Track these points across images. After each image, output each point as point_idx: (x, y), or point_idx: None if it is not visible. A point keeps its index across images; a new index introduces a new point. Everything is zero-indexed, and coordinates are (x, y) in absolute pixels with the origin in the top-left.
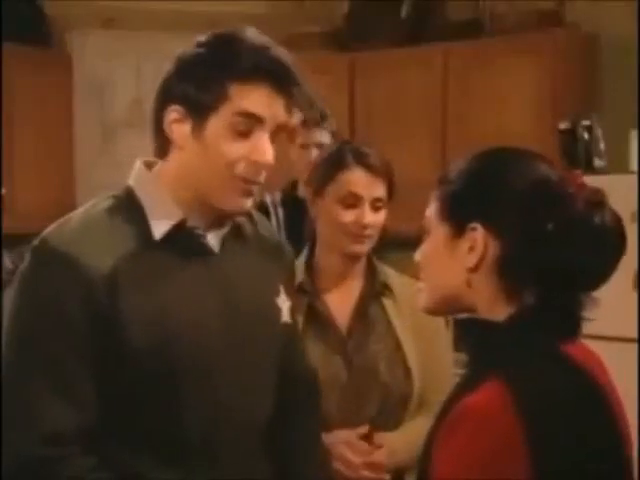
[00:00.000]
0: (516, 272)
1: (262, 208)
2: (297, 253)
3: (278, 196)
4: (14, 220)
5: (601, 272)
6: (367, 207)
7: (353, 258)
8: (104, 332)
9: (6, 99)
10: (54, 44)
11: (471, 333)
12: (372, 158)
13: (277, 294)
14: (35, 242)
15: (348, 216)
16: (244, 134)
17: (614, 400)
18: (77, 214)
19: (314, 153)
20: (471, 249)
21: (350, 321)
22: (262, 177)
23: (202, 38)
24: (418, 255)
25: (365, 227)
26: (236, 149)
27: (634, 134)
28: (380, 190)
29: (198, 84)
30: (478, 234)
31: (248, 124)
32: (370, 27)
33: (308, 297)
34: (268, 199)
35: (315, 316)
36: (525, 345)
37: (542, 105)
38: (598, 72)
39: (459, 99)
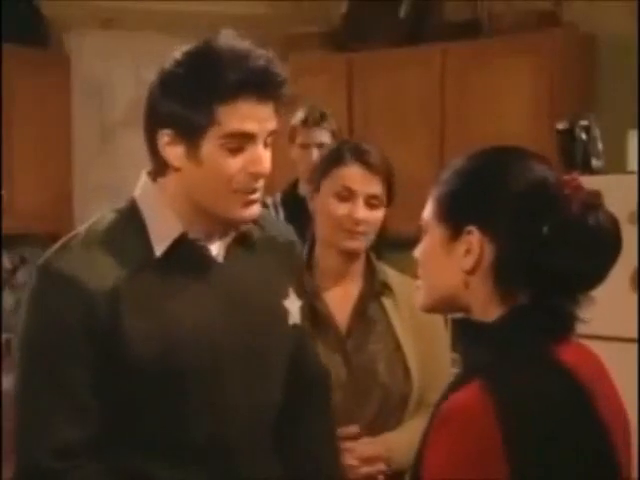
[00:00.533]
0: (511, 275)
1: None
2: None
3: (278, 196)
4: (12, 220)
5: (596, 274)
6: (361, 202)
7: (349, 255)
8: (110, 348)
9: (4, 100)
10: (52, 44)
11: (463, 333)
12: (370, 155)
13: (285, 296)
14: (40, 261)
15: (341, 210)
16: (238, 149)
17: (605, 402)
18: (81, 232)
19: (314, 152)
20: (467, 252)
21: (349, 321)
22: (261, 183)
23: (179, 55)
24: (417, 253)
25: (358, 222)
26: (233, 164)
27: (632, 134)
28: (376, 187)
29: (185, 108)
30: (474, 238)
31: (240, 142)
32: (368, 27)
33: (308, 296)
34: (269, 199)
35: (314, 315)
36: (510, 346)
37: (540, 105)
38: (596, 72)
39: (457, 99)
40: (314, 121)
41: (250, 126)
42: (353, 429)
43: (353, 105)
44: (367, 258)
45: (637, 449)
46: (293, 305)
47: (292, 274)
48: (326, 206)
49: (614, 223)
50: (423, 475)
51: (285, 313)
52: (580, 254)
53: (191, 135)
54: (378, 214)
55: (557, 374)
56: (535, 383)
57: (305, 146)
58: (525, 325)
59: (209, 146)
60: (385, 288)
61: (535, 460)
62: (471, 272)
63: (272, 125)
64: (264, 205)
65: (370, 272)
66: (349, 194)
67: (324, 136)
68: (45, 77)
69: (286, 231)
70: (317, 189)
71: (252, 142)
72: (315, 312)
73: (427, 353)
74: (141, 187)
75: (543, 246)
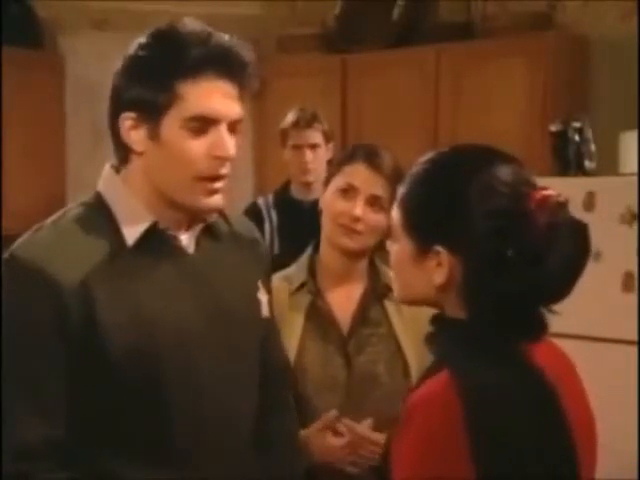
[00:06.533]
0: (479, 292)
1: (255, 211)
2: (290, 255)
3: (270, 198)
4: (6, 221)
5: (563, 287)
6: (362, 201)
7: (350, 255)
8: (81, 344)
9: None
10: (46, 45)
11: (435, 326)
12: (380, 158)
13: (257, 289)
14: (5, 255)
15: (341, 206)
16: (200, 132)
17: (570, 402)
18: (46, 225)
19: (307, 153)
20: (438, 265)
21: (351, 322)
22: (227, 169)
23: (143, 39)
24: (389, 249)
25: (356, 220)
26: (196, 147)
27: (624, 136)
28: (380, 189)
29: (147, 87)
30: (442, 257)
31: (203, 124)
32: (362, 28)
33: (311, 295)
34: (261, 202)
35: (317, 315)
36: (479, 342)
37: (533, 107)
38: (589, 74)
39: (451, 100)
40: (305, 122)
41: (214, 105)
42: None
43: (347, 106)
44: (370, 260)
45: (637, 449)
46: (264, 297)
47: (259, 270)
48: (329, 202)
49: (580, 232)
50: (393, 467)
51: (258, 305)
52: (546, 273)
53: (152, 114)
54: (379, 217)
55: (524, 372)
56: (501, 379)
57: (297, 147)
58: (495, 324)
59: (170, 126)
60: (388, 291)
61: (499, 453)
62: (442, 288)
63: (237, 110)
64: (256, 206)
65: (373, 274)
66: (352, 191)
67: (316, 137)
68: (39, 78)
69: (250, 228)
70: (325, 187)
71: (215, 125)
72: (317, 311)
73: (427, 356)
74: (105, 180)
75: (508, 268)
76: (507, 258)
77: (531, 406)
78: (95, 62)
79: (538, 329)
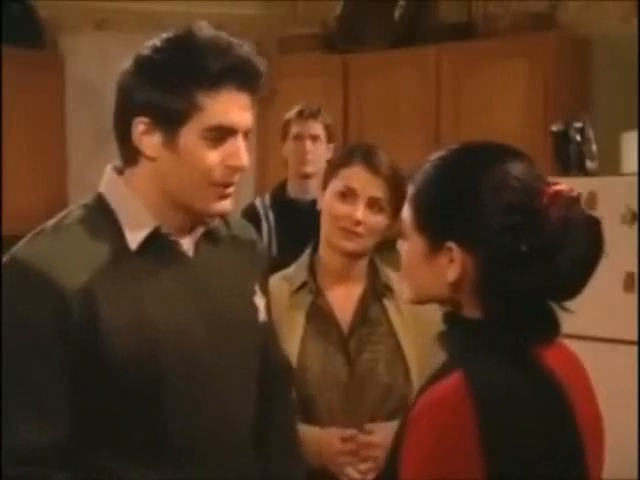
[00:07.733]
0: (492, 290)
1: (253, 212)
2: (288, 255)
3: (268, 198)
4: (7, 222)
5: (577, 282)
6: (361, 204)
7: (349, 256)
8: (82, 346)
9: None
10: (46, 45)
11: (449, 325)
12: (378, 159)
13: (254, 293)
14: (6, 258)
15: (342, 209)
16: (218, 141)
17: (580, 404)
18: (48, 227)
19: (308, 144)
20: (451, 261)
21: (352, 321)
22: (237, 178)
23: (157, 42)
24: (400, 250)
25: (357, 223)
26: (211, 157)
27: (625, 136)
28: (379, 191)
29: (164, 94)
30: (455, 254)
31: (221, 134)
32: (363, 28)
33: (312, 295)
34: (258, 202)
35: (318, 314)
36: (492, 342)
37: (535, 107)
38: (590, 74)
39: (452, 101)
40: (310, 113)
41: (233, 117)
42: (351, 432)
43: (348, 107)
44: (370, 260)
45: (637, 449)
46: (261, 302)
47: (256, 272)
48: (329, 206)
49: (593, 228)
50: (402, 466)
51: (255, 310)
52: (559, 269)
53: (170, 123)
54: (378, 218)
55: (535, 374)
56: (513, 381)
57: (298, 137)
58: (508, 323)
59: (189, 135)
60: (387, 290)
61: (511, 454)
62: (454, 285)
63: (251, 120)
64: (253, 207)
65: (373, 274)
66: (351, 194)
67: (318, 129)
68: (39, 78)
69: (247, 230)
70: (324, 189)
71: (232, 135)
72: (318, 310)
73: (428, 355)
74: (107, 182)
75: (522, 264)
76: (521, 253)
77: (541, 407)
78: (96, 62)
79: (551, 330)
